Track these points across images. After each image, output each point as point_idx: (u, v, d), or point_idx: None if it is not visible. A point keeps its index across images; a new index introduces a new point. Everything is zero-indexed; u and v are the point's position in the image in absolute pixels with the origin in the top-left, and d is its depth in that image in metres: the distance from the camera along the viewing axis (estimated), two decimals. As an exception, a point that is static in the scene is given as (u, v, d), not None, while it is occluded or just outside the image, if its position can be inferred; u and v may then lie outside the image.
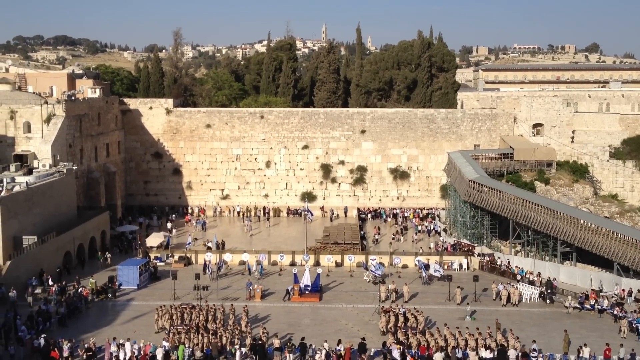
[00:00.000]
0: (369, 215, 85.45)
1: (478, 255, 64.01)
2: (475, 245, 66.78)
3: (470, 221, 69.17)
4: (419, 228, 78.43)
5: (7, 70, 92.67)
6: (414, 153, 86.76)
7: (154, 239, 68.44)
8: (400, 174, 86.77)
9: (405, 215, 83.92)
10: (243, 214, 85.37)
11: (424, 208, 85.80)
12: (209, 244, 68.45)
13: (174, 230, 75.43)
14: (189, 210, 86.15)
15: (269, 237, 75.70)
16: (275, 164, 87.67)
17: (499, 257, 63.36)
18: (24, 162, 65.20)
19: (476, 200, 67.49)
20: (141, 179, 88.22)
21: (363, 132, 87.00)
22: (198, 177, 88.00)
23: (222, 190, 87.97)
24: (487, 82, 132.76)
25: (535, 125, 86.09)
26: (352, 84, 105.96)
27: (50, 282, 53.20)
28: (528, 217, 62.43)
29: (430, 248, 69.42)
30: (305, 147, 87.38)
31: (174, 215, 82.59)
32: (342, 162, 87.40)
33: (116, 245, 69.05)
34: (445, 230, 75.95)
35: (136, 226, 76.44)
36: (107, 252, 63.29)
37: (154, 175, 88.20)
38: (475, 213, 68.73)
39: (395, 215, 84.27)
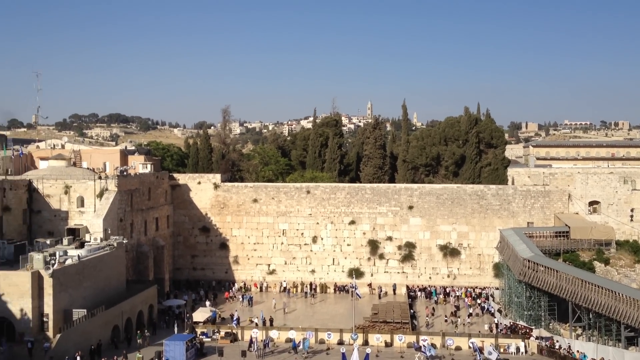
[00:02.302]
0: (419, 294, 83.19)
1: (536, 339, 61.07)
2: (533, 327, 63.85)
3: (527, 302, 66.44)
4: (472, 308, 75.79)
5: (63, 146, 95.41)
6: (464, 230, 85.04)
7: (201, 314, 67.68)
8: (450, 251, 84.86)
9: (457, 294, 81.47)
10: (288, 290, 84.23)
11: (476, 287, 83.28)
12: (255, 320, 67.24)
13: (208, 305, 74.12)
14: (235, 286, 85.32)
15: (315, 314, 74.07)
16: (322, 239, 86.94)
17: (557, 341, 60.32)
18: (76, 235, 66.03)
19: (532, 280, 65.01)
20: (189, 253, 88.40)
21: (411, 207, 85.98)
22: (245, 251, 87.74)
23: (269, 265, 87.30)
24: (538, 159, 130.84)
25: (591, 203, 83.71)
26: (398, 160, 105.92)
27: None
28: (589, 299, 59.53)
29: (484, 329, 66.69)
30: (352, 222, 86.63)
31: (212, 295, 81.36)
32: (389, 238, 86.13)
33: (163, 320, 68.39)
34: (499, 310, 73.15)
35: (183, 300, 75.91)
36: (145, 331, 62.20)
37: (201, 250, 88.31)
38: (532, 293, 66.07)
39: (446, 294, 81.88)
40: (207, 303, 74.88)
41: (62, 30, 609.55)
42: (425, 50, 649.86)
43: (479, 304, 77.47)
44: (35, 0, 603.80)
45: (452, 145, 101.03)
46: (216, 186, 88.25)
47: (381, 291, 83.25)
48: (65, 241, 62.93)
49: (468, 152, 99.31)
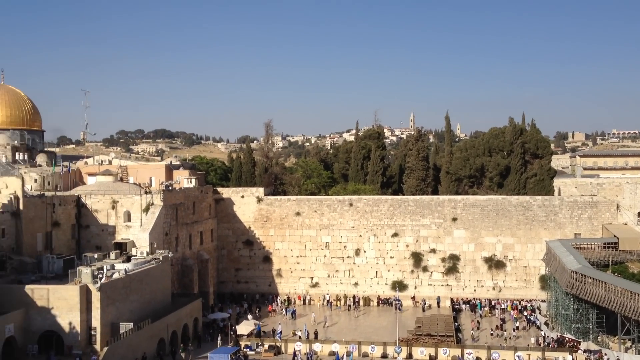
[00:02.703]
0: (464, 306, 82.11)
1: (584, 352, 59.58)
2: (581, 340, 62.31)
3: (574, 314, 64.92)
4: (518, 321, 74.42)
5: (110, 162, 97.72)
6: (509, 242, 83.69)
7: (245, 327, 68.12)
8: (495, 264, 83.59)
9: (503, 307, 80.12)
10: (331, 303, 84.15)
11: (522, 299, 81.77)
12: (299, 333, 67.38)
13: (250, 319, 74.31)
14: (278, 299, 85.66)
15: (359, 327, 73.79)
16: (365, 251, 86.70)
17: (606, 354, 58.72)
18: (123, 249, 67.40)
19: (579, 292, 63.52)
20: (232, 266, 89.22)
21: (454, 219, 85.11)
22: (288, 264, 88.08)
23: (312, 278, 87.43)
24: (585, 169, 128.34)
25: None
26: (441, 171, 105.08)
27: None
28: (638, 311, 57.81)
29: (531, 343, 65.38)
30: (395, 234, 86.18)
31: (256, 308, 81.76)
32: (433, 251, 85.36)
33: (208, 333, 69.10)
34: (546, 323, 71.66)
35: (227, 313, 76.54)
36: (190, 344, 62.90)
37: (245, 263, 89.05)
38: (579, 306, 64.53)
39: (492, 307, 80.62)
40: (249, 317, 75.24)
41: (110, 51, 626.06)
42: (468, 60, 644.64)
43: (525, 317, 76.03)
44: (83, 24, 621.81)
45: (496, 156, 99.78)
46: (259, 200, 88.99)
47: (425, 304, 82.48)
48: (112, 255, 64.28)
49: (513, 163, 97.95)
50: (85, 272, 53.85)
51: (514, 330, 70.71)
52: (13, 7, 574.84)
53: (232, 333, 66.59)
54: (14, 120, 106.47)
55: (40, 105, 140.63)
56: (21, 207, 62.28)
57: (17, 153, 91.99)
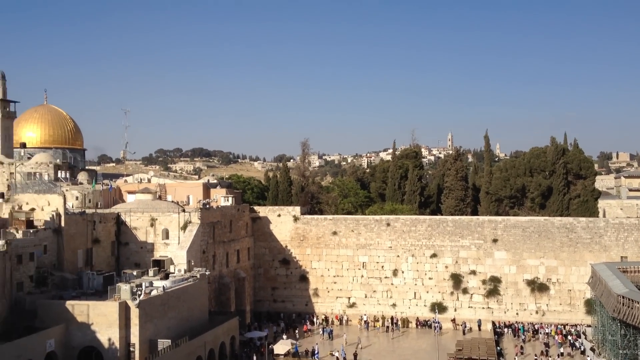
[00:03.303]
0: (505, 330, 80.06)
1: (633, 380, 57.24)
2: (629, 367, 59.96)
3: (622, 340, 62.52)
4: (563, 347, 72.16)
5: (149, 180, 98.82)
6: (552, 264, 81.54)
7: (282, 347, 67.47)
8: (538, 286, 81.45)
9: (547, 331, 77.90)
10: (368, 324, 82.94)
11: (567, 324, 79.39)
12: (336, 354, 66.43)
13: (285, 339, 73.55)
14: (316, 319, 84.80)
15: (397, 349, 72.52)
16: (403, 272, 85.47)
17: (657, 383, 56.34)
18: (161, 267, 67.53)
19: (627, 317, 61.19)
20: (269, 285, 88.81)
21: (495, 241, 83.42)
22: (324, 284, 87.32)
23: (349, 298, 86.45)
24: (630, 190, 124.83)
25: (689, 235, 78.75)
26: (481, 192, 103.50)
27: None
28: (691, 337, 55.51)
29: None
30: (434, 255, 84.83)
31: (293, 328, 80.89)
32: (473, 272, 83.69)
33: (244, 352, 68.62)
34: (593, 349, 69.24)
35: (265, 332, 76.00)
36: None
37: (282, 282, 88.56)
38: (627, 331, 62.15)
39: (535, 331, 78.47)
40: (284, 337, 74.40)
41: (149, 70, 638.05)
42: (508, 79, 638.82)
43: (570, 342, 73.70)
44: (122, 44, 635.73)
45: (538, 177, 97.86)
46: (296, 219, 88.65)
47: (465, 327, 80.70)
48: (150, 272, 64.42)
49: (555, 184, 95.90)
50: (124, 289, 54.03)
51: (558, 356, 68.58)
52: (56, 29, 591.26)
53: (268, 352, 65.96)
54: (56, 139, 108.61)
55: (81, 124, 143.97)
56: (63, 224, 63.03)
57: (59, 171, 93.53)
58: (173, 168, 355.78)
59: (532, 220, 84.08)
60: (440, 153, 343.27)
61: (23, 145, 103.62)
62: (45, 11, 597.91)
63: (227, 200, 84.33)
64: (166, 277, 63.06)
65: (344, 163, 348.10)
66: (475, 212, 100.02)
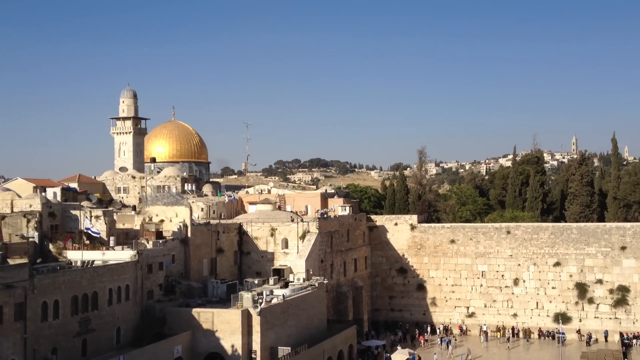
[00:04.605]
0: (634, 341, 75.71)
1: None
2: None
3: None
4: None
5: (269, 191, 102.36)
6: (687, 273, 76.32)
7: (399, 356, 67.57)
8: (671, 296, 76.51)
9: (682, 344, 72.99)
10: (486, 334, 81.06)
11: None
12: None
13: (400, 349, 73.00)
14: (436, 329, 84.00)
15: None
16: (524, 281, 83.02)
17: None
18: (281, 275, 69.93)
19: None
20: (386, 294, 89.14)
21: (623, 248, 79.20)
22: (442, 293, 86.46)
23: (467, 307, 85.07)
24: None
25: None
26: (608, 197, 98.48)
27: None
28: None
29: None
30: (557, 264, 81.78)
31: (411, 337, 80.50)
32: (599, 281, 79.88)
33: (362, 360, 69.40)
34: None
35: (383, 341, 76.36)
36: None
37: (399, 291, 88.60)
38: None
39: (668, 344, 73.76)
40: (399, 347, 74.06)
41: (267, 85, 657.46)
42: (637, 77, 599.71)
43: None
44: (242, 63, 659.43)
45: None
46: (413, 227, 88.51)
47: (590, 338, 77.08)
48: (271, 281, 66.81)
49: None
50: (246, 297, 56.32)
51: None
52: (182, 49, 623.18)
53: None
54: (183, 153, 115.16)
55: (206, 138, 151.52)
56: (189, 234, 66.60)
57: (186, 184, 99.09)
58: (292, 179, 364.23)
59: (665, 226, 79.12)
60: (563, 158, 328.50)
61: (153, 160, 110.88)
62: (170, 33, 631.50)
63: (345, 209, 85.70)
64: (286, 285, 65.13)
65: (462, 170, 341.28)
66: (601, 219, 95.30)
